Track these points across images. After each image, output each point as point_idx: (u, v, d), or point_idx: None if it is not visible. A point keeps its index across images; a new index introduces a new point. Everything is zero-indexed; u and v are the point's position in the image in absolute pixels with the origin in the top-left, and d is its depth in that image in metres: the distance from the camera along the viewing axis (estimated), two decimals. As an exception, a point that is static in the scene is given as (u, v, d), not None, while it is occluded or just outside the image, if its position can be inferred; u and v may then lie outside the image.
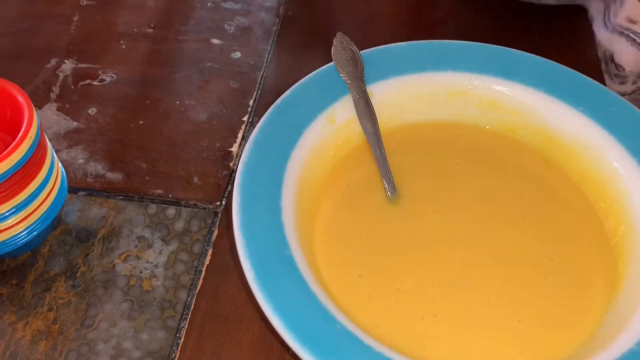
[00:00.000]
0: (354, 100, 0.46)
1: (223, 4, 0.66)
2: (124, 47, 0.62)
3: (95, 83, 0.58)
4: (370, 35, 0.62)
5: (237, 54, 0.61)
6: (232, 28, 0.63)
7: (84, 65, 0.60)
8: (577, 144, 0.44)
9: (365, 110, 0.46)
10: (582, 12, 0.63)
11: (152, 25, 0.64)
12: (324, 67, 0.48)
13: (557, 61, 0.48)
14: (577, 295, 0.39)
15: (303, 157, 0.43)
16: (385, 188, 0.44)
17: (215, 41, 0.62)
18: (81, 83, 0.58)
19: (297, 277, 0.36)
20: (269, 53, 0.61)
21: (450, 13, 0.65)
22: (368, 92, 0.46)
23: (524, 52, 0.48)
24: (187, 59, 0.61)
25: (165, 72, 0.59)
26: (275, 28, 0.63)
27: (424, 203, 0.43)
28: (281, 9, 0.65)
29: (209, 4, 0.66)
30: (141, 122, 0.55)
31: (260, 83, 0.58)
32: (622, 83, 0.58)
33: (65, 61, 0.60)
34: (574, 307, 0.38)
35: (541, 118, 0.45)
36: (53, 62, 0.60)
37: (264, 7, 0.65)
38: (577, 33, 0.61)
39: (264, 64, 0.60)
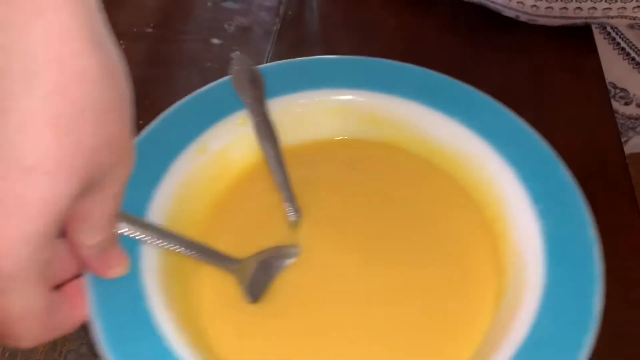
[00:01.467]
0: (253, 123, 0.44)
1: (223, 4, 0.66)
2: (124, 47, 0.61)
3: (95, 83, 0.58)
4: (370, 35, 0.63)
5: (237, 54, 0.60)
6: (232, 28, 0.63)
7: (84, 65, 0.60)
8: (458, 153, 0.43)
9: (266, 132, 0.44)
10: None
11: (152, 25, 0.64)
12: (196, 92, 0.46)
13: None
14: (466, 309, 0.37)
15: (168, 197, 0.40)
16: (287, 212, 0.42)
17: (215, 41, 0.62)
18: (81, 83, 0.58)
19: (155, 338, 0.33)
20: (269, 53, 0.61)
21: (449, 15, 0.65)
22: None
23: (400, 63, 0.46)
24: (187, 58, 0.61)
25: (165, 72, 0.59)
26: (275, 28, 0.63)
27: (321, 223, 0.41)
28: (281, 9, 0.65)
29: (209, 4, 0.66)
30: (141, 122, 0.55)
31: (260, 83, 0.58)
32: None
33: (65, 61, 0.60)
34: (463, 319, 0.37)
35: (421, 130, 0.44)
36: (53, 62, 0.60)
37: (264, 7, 0.65)
38: (578, 34, 0.61)
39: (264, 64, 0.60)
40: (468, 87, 0.45)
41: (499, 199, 0.40)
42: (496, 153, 0.41)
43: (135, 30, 0.63)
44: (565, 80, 0.58)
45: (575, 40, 0.61)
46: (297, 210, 0.41)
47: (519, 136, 0.42)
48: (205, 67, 0.59)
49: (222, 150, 0.44)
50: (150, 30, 0.63)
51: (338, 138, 0.46)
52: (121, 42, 0.62)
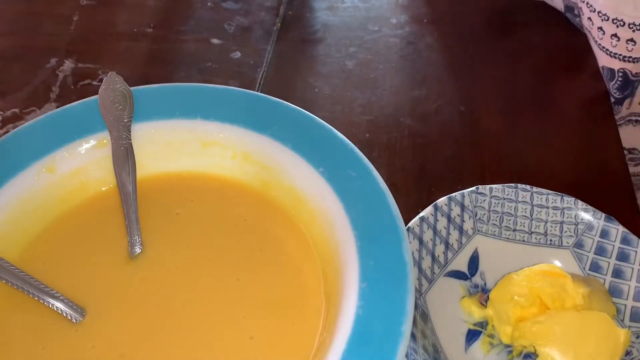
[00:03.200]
0: (113, 147, 0.42)
1: (223, 4, 0.66)
2: (124, 47, 0.62)
3: (95, 83, 0.58)
4: (369, 37, 0.63)
5: (237, 54, 0.61)
6: (232, 28, 0.63)
7: (84, 65, 0.60)
8: (317, 208, 0.40)
9: (124, 159, 0.42)
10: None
11: (152, 25, 0.64)
12: (61, 109, 0.44)
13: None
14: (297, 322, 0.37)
15: None
16: (128, 245, 0.40)
17: (215, 41, 0.62)
18: (81, 83, 0.58)
19: None
20: (269, 53, 0.61)
21: (449, 16, 0.65)
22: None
23: (281, 102, 0.44)
24: (187, 59, 0.61)
25: (165, 72, 0.59)
26: (275, 28, 0.63)
27: (160, 261, 0.40)
28: (281, 9, 0.65)
29: (209, 4, 0.66)
30: (141, 122, 0.55)
31: (260, 83, 0.58)
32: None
33: (65, 61, 0.60)
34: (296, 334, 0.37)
35: (289, 176, 0.42)
36: (53, 62, 0.60)
37: (264, 7, 0.65)
38: (578, 35, 0.61)
39: (264, 64, 0.60)
40: (339, 135, 0.42)
41: (338, 269, 0.38)
42: (347, 218, 0.38)
43: (135, 30, 0.63)
44: (565, 81, 0.58)
45: (575, 40, 0.61)
46: (139, 244, 0.40)
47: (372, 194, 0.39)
48: (205, 67, 0.59)
49: (74, 172, 0.42)
50: (150, 30, 0.63)
51: (201, 171, 0.44)
52: (121, 42, 0.62)
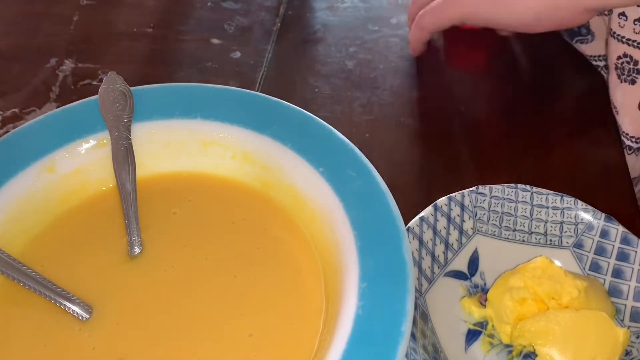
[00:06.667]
0: (113, 147, 0.42)
1: (223, 4, 0.66)
2: (124, 47, 0.62)
3: (95, 83, 0.58)
4: (369, 37, 0.63)
5: (237, 54, 0.61)
6: (232, 28, 0.63)
7: (84, 65, 0.60)
8: (317, 208, 0.40)
9: (124, 159, 0.42)
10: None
11: (152, 25, 0.64)
12: (61, 108, 0.44)
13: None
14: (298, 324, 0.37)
15: None
16: (128, 245, 0.40)
17: (215, 41, 0.62)
18: (81, 83, 0.58)
19: None
20: (269, 53, 0.61)
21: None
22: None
23: (281, 102, 0.44)
24: (187, 58, 0.61)
25: (165, 72, 0.59)
26: (275, 28, 0.63)
27: (160, 261, 0.40)
28: (281, 9, 0.65)
29: (209, 4, 0.66)
30: (141, 122, 0.55)
31: (260, 83, 0.58)
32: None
33: (65, 61, 0.60)
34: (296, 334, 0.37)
35: (289, 176, 0.42)
36: (53, 62, 0.60)
37: (264, 7, 0.65)
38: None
39: (264, 64, 0.60)
40: (341, 137, 0.42)
41: (339, 264, 0.38)
42: (346, 217, 0.38)
43: (135, 30, 0.63)
44: (565, 81, 0.58)
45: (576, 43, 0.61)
46: (138, 244, 0.40)
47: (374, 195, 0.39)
48: (205, 67, 0.59)
49: (74, 172, 0.42)
50: (150, 30, 0.63)
51: (201, 171, 0.44)
52: (121, 41, 0.62)
